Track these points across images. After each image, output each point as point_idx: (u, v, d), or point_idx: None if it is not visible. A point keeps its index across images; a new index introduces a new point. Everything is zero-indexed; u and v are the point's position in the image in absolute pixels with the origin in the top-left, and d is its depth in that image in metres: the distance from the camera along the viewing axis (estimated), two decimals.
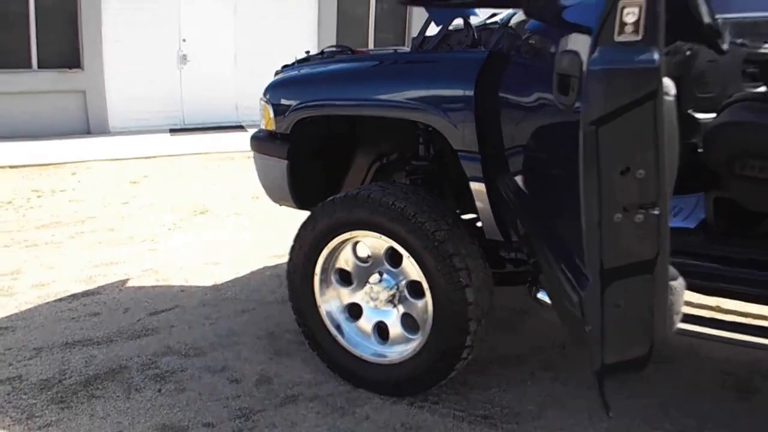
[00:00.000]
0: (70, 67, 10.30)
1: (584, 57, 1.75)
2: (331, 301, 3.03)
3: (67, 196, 6.59)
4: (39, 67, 10.17)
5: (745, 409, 2.82)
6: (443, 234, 2.63)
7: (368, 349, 2.97)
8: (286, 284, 3.13)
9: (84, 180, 7.28)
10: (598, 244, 1.84)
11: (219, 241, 5.21)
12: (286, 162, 3.13)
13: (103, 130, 10.71)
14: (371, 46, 12.29)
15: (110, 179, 7.34)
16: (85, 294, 4.13)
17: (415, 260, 2.69)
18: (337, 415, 2.83)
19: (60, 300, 4.04)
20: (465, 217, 3.08)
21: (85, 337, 3.54)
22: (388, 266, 2.87)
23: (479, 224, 2.85)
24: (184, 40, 11.62)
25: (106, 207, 6.18)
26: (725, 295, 2.55)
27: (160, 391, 3.03)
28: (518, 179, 2.41)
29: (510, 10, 2.77)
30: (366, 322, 2.98)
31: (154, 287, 4.26)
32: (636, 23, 1.69)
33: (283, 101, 3.11)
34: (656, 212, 1.79)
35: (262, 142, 3.31)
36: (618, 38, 1.69)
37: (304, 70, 3.21)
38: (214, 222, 5.76)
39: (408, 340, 2.87)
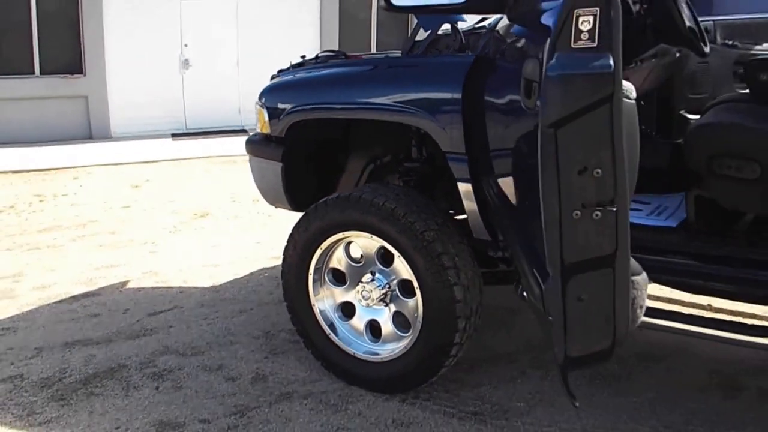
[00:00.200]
0: (72, 73, 10.39)
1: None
2: (324, 300, 3.10)
3: (68, 200, 6.67)
4: (41, 73, 10.26)
5: (731, 407, 2.87)
6: (432, 234, 2.70)
7: (361, 347, 3.03)
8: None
9: (86, 184, 7.36)
10: (558, 240, 1.93)
11: (219, 243, 5.28)
12: (280, 164, 3.20)
13: (106, 135, 10.79)
14: (374, 49, 12.33)
15: (112, 183, 7.42)
16: (86, 295, 4.20)
17: (405, 259, 2.76)
18: (330, 411, 2.90)
19: (61, 302, 4.11)
20: (459, 217, 3.14)
21: (84, 337, 3.61)
22: (379, 266, 2.93)
23: None
24: (185, 45, 11.69)
25: (107, 211, 6.25)
26: (704, 292, 2.62)
27: (157, 388, 3.09)
28: (497, 179, 2.47)
29: (497, 15, 2.83)
30: (359, 321, 3.05)
31: (153, 289, 4.34)
32: (591, 31, 1.77)
33: (278, 105, 3.18)
34: (614, 209, 1.87)
35: (257, 145, 3.38)
36: (574, 45, 1.78)
37: (299, 75, 3.28)
38: (214, 225, 5.83)
39: (399, 338, 2.94)
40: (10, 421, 2.84)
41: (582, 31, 1.78)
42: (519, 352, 3.38)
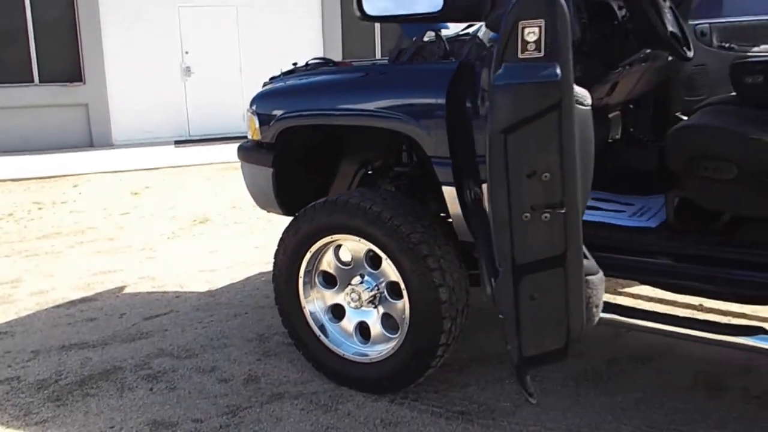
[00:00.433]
0: (71, 81, 10.48)
1: None
2: (315, 302, 3.15)
3: (68, 207, 6.75)
4: (40, 81, 10.35)
5: (715, 406, 2.90)
6: (418, 236, 2.75)
7: (351, 349, 3.09)
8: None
9: (85, 192, 7.44)
10: (509, 241, 2.00)
11: (217, 249, 5.35)
12: (271, 170, 3.26)
13: (107, 143, 10.87)
14: (378, 54, 12.39)
15: (112, 191, 7.49)
16: (83, 300, 4.27)
17: (392, 262, 2.82)
18: (321, 411, 2.95)
19: (58, 306, 4.18)
20: (450, 220, 3.20)
21: (81, 340, 3.68)
22: (368, 268, 2.99)
23: None
24: (186, 52, 11.77)
25: (106, 218, 6.33)
26: (684, 292, 2.67)
27: (151, 389, 3.15)
28: (480, 183, 2.53)
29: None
30: (348, 323, 3.10)
31: (150, 293, 4.40)
32: (537, 42, 1.85)
33: (268, 112, 3.24)
34: (562, 211, 1.93)
35: (248, 151, 3.45)
36: (521, 56, 1.86)
37: (289, 82, 3.34)
38: (213, 230, 5.90)
39: (388, 340, 2.99)
40: (7, 422, 2.90)
41: (528, 42, 1.85)
42: (508, 353, 3.42)
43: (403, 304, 2.86)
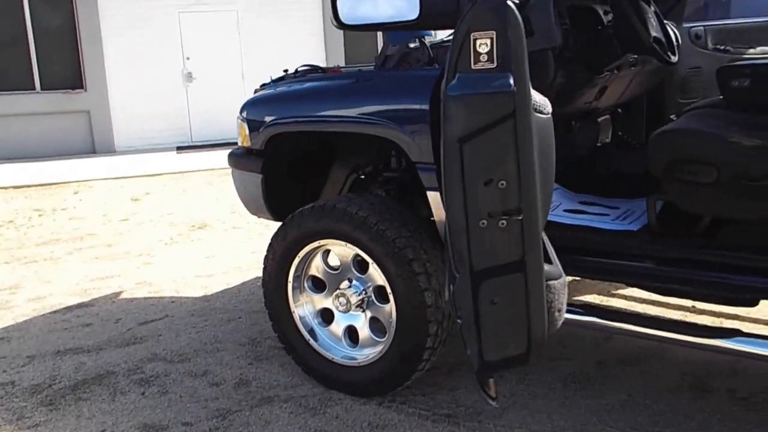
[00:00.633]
0: (73, 88, 10.55)
1: None
2: (304, 306, 3.19)
3: (67, 214, 6.80)
4: (42, 88, 10.42)
5: (699, 407, 2.92)
6: (403, 241, 2.79)
7: (339, 352, 3.12)
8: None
9: (86, 198, 7.50)
10: (466, 246, 2.03)
11: (214, 254, 5.39)
12: (260, 176, 3.30)
13: (109, 150, 10.93)
14: None
15: (112, 197, 7.55)
16: (79, 306, 4.31)
17: (378, 266, 2.85)
18: (309, 414, 2.98)
19: (55, 312, 4.23)
20: None
21: (76, 345, 3.72)
22: (356, 273, 3.02)
23: None
24: (188, 58, 11.82)
25: (105, 224, 6.38)
26: (666, 294, 2.69)
27: (143, 393, 3.19)
28: None
29: None
30: (337, 327, 3.13)
31: (146, 299, 4.44)
32: (489, 53, 1.88)
33: (257, 119, 3.29)
34: (519, 218, 1.96)
35: (239, 158, 3.49)
36: (474, 66, 1.89)
37: (279, 89, 3.39)
38: (211, 236, 5.95)
39: (376, 343, 3.02)
40: (0, 425, 2.94)
41: (480, 53, 1.88)
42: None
43: (390, 308, 2.89)
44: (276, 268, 3.13)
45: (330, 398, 3.10)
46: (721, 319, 3.64)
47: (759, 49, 3.91)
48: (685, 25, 3.89)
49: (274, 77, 3.54)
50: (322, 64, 3.62)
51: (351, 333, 3.12)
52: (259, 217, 3.61)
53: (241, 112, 3.42)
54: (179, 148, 11.35)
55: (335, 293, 3.07)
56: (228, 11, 12.06)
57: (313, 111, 3.09)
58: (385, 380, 2.98)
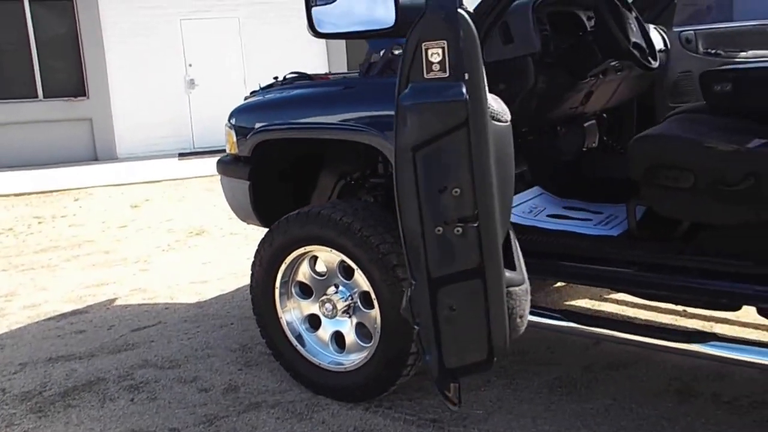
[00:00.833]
0: (75, 96, 10.61)
1: None
2: (291, 312, 3.21)
3: (67, 221, 6.85)
4: (45, 96, 10.49)
5: (683, 412, 2.93)
6: (387, 246, 2.80)
7: (326, 358, 3.14)
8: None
9: (85, 205, 7.55)
10: (422, 253, 2.04)
11: (210, 260, 5.42)
12: (248, 183, 3.33)
13: (111, 157, 10.99)
14: None
15: (112, 204, 7.59)
16: (74, 313, 4.35)
17: (363, 272, 2.87)
18: (296, 420, 3.00)
19: (49, 319, 4.26)
20: None
21: (68, 352, 3.75)
22: (342, 279, 3.04)
23: None
24: (190, 65, 11.87)
25: (104, 231, 6.42)
26: (647, 298, 2.70)
27: (132, 400, 3.22)
28: None
29: None
30: (324, 332, 3.15)
31: (140, 305, 4.47)
32: (441, 62, 1.89)
33: (244, 126, 3.32)
34: (475, 225, 1.97)
35: (226, 165, 3.53)
36: (427, 75, 1.90)
37: (267, 96, 3.41)
38: (208, 242, 5.98)
39: (362, 349, 3.04)
40: None
41: (432, 63, 1.89)
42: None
43: (375, 313, 2.91)
44: (263, 275, 3.16)
45: (317, 404, 3.11)
46: (711, 323, 3.64)
47: (750, 52, 3.92)
48: (675, 29, 3.90)
49: (263, 84, 3.57)
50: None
51: (338, 338, 3.14)
52: (248, 223, 3.64)
53: (229, 119, 3.45)
54: (181, 155, 11.40)
55: (322, 299, 3.09)
56: (230, 18, 12.11)
57: (298, 118, 3.12)
58: (371, 385, 2.99)
